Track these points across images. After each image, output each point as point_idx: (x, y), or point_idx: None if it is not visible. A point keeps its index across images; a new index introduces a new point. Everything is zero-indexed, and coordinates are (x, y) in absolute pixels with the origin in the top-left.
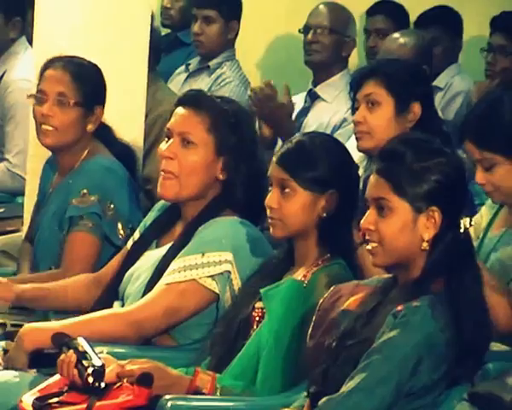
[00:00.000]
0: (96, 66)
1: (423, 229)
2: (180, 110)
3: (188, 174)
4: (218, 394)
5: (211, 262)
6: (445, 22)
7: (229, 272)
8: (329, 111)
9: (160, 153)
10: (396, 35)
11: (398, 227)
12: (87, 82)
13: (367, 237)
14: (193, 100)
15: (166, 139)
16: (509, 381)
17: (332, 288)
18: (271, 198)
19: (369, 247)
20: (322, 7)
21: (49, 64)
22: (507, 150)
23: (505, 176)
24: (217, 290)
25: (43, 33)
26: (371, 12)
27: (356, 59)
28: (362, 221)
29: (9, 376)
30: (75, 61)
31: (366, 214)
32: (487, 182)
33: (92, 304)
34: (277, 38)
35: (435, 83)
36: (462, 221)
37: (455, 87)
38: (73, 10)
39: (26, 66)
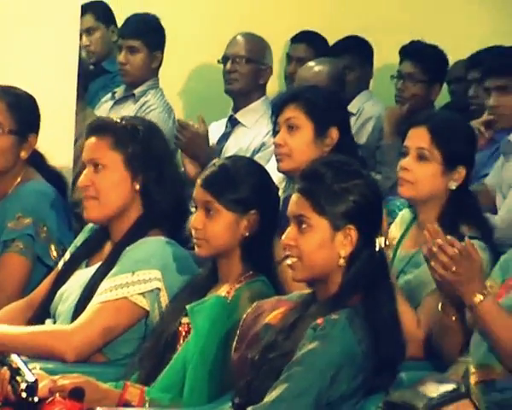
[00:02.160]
0: (30, 96)
1: (340, 246)
2: (88, 141)
3: (105, 194)
4: (146, 406)
5: (141, 280)
6: (356, 51)
7: (159, 289)
8: (249, 136)
9: (78, 184)
10: (311, 63)
11: (317, 243)
12: (21, 111)
13: (287, 253)
14: (96, 127)
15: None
16: (421, 389)
17: (254, 303)
18: (196, 219)
19: (289, 262)
20: (239, 37)
21: None
22: None
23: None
24: (147, 307)
25: None
26: (295, 40)
27: (276, 84)
28: (283, 237)
29: None
30: (10, 91)
31: (287, 230)
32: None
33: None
34: (198, 68)
35: (348, 108)
36: (377, 240)
37: (366, 112)
38: (6, 43)
39: None
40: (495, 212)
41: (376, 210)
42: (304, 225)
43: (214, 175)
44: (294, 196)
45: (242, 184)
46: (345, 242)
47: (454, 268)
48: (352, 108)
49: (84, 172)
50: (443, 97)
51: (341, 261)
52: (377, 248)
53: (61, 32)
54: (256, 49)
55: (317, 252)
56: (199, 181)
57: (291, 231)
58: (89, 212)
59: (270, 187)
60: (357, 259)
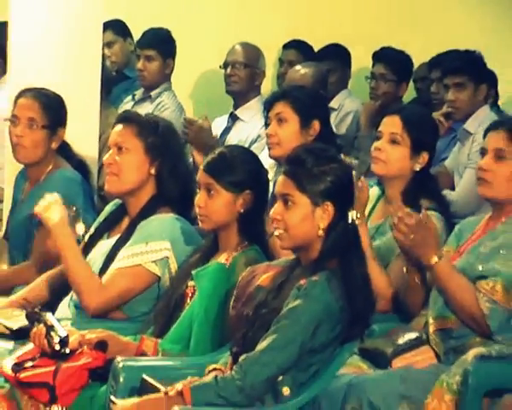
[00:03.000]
0: (59, 96)
1: (319, 219)
2: (115, 128)
3: (125, 173)
4: (159, 355)
5: (153, 250)
6: (337, 56)
7: (168, 257)
8: (247, 129)
9: (103, 162)
10: (298, 67)
11: (300, 217)
12: (52, 109)
13: (275, 225)
14: (124, 117)
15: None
16: (389, 338)
17: (249, 268)
18: (199, 198)
19: (276, 233)
20: (237, 46)
21: (22, 94)
22: None
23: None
24: (158, 273)
25: (16, 70)
26: (286, 46)
27: (269, 85)
28: (271, 212)
29: None
30: (42, 92)
31: (274, 207)
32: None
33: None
34: (204, 72)
35: (330, 105)
36: (349, 214)
37: (346, 108)
38: (40, 52)
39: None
40: (453, 189)
41: (349, 189)
42: (289, 203)
43: (214, 161)
44: (280, 178)
45: (238, 168)
46: (323, 216)
47: (412, 236)
48: (333, 104)
49: (110, 152)
50: (410, 94)
51: (320, 232)
52: (350, 221)
53: (86, 45)
54: (251, 56)
55: (300, 224)
56: (201, 166)
57: (278, 207)
58: (109, 186)
59: (261, 171)
60: (333, 230)
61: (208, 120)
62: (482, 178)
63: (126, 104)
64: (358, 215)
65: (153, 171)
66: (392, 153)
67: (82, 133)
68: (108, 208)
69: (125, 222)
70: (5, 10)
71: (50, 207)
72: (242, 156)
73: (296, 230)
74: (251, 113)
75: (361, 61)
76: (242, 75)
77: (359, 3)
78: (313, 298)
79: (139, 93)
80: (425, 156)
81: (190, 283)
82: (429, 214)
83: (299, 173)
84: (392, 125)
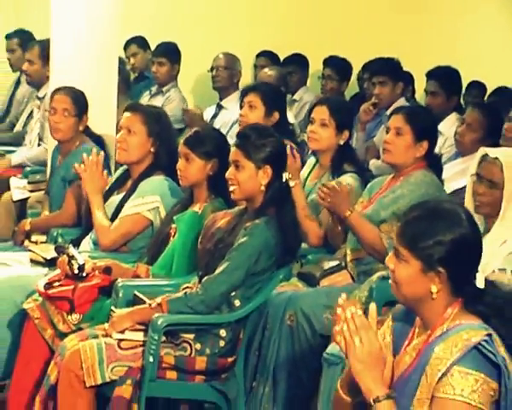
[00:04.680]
0: (82, 92)
1: (261, 178)
2: (125, 114)
3: (131, 149)
4: (150, 278)
5: (148, 202)
6: (298, 62)
7: (158, 207)
8: (229, 115)
9: (116, 140)
10: (266, 69)
11: (247, 177)
12: (79, 101)
13: (230, 183)
14: (132, 106)
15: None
16: (318, 264)
17: (212, 215)
18: (180, 164)
19: (231, 188)
20: (220, 55)
21: (56, 91)
22: None
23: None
24: (152, 218)
25: (57, 74)
26: (259, 55)
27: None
28: (226, 174)
29: (31, 271)
30: (72, 89)
31: (229, 170)
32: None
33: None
34: (199, 74)
35: (294, 97)
36: (284, 175)
37: (304, 99)
38: (73, 62)
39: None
40: (379, 159)
41: (282, 157)
42: (239, 167)
43: (191, 137)
44: (233, 148)
45: (208, 142)
46: (264, 176)
47: (329, 199)
48: (296, 96)
49: (121, 132)
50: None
51: (262, 188)
52: (284, 180)
53: (107, 56)
54: (230, 61)
55: (247, 182)
56: (181, 141)
57: (231, 170)
58: (119, 157)
59: (225, 144)
60: (271, 186)
61: (201, 109)
62: (386, 148)
63: (145, 97)
64: (290, 176)
65: (152, 149)
66: (322, 133)
67: (103, 118)
68: (118, 172)
69: (129, 183)
70: (48, 30)
71: (88, 169)
72: (212, 133)
73: (244, 186)
74: (232, 103)
75: (315, 65)
76: (224, 76)
77: (315, 22)
78: (256, 236)
79: (154, 89)
80: (346, 134)
81: (173, 225)
82: (344, 178)
83: (246, 145)
84: (321, 112)
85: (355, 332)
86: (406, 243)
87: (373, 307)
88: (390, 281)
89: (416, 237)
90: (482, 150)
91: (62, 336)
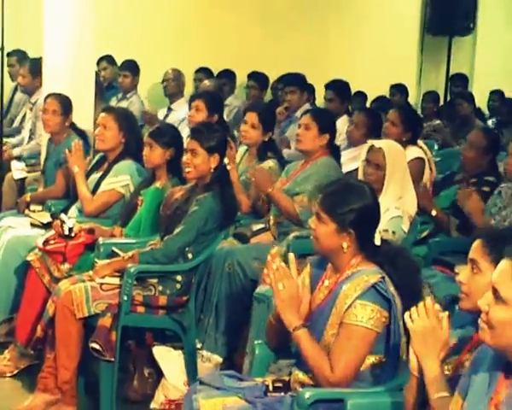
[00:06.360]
0: (67, 97)
1: (211, 162)
2: (101, 114)
3: (107, 140)
4: (124, 237)
5: (120, 180)
6: (228, 75)
7: (129, 184)
8: (177, 115)
9: (95, 134)
10: (206, 81)
11: (200, 162)
12: (65, 103)
13: (186, 166)
14: (107, 108)
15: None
16: (249, 227)
17: (171, 189)
18: (145, 151)
19: (187, 170)
20: (169, 70)
21: (48, 97)
22: None
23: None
24: (123, 192)
25: (48, 84)
26: (197, 71)
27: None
28: (183, 159)
29: (33, 232)
30: (59, 95)
31: (186, 156)
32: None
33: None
34: (154, 84)
35: (225, 103)
36: (224, 159)
37: (233, 104)
38: (59, 75)
39: None
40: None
41: (225, 146)
42: (195, 154)
43: (154, 130)
44: (189, 139)
45: (167, 134)
46: (214, 161)
47: (253, 179)
48: (227, 102)
49: (98, 128)
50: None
51: (212, 170)
52: (224, 163)
53: (86, 70)
54: (177, 75)
55: (200, 166)
56: (147, 133)
57: (188, 156)
58: (98, 145)
59: (179, 137)
60: (216, 169)
61: (156, 111)
62: (298, 140)
63: (113, 102)
64: (228, 161)
65: (123, 140)
66: (252, 132)
67: (84, 117)
68: (97, 157)
69: (106, 165)
70: (40, 49)
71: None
72: (169, 128)
73: (198, 168)
74: (179, 106)
75: (242, 78)
76: (173, 85)
77: (241, 44)
78: (204, 205)
79: (120, 96)
80: (270, 134)
81: (140, 198)
82: (267, 163)
83: (200, 137)
84: (252, 117)
85: (279, 280)
86: (326, 210)
87: (291, 256)
88: (311, 237)
89: (334, 205)
90: (370, 142)
91: (57, 280)
